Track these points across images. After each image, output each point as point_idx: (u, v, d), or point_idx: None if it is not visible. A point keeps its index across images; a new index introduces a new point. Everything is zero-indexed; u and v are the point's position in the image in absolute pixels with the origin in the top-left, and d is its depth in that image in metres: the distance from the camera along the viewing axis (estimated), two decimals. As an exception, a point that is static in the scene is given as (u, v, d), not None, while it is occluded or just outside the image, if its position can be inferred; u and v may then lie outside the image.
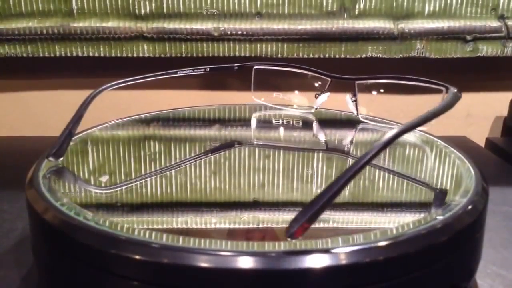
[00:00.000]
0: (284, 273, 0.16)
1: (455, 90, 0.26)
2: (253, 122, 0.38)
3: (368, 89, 0.34)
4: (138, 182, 0.25)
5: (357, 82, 0.34)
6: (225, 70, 0.40)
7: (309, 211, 0.16)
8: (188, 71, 0.37)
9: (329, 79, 0.35)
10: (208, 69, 0.38)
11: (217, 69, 0.39)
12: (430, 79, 0.30)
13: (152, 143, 0.31)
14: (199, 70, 0.37)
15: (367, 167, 0.28)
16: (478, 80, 0.50)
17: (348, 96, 0.34)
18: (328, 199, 0.16)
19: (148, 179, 0.26)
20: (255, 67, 0.39)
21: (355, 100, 0.34)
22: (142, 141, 0.32)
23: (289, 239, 0.16)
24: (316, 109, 0.37)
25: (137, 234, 0.17)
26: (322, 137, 0.35)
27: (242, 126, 0.37)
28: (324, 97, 0.36)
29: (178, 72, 0.36)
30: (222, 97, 0.50)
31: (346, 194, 0.25)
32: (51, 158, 0.26)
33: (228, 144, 0.32)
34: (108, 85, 0.31)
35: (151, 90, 0.50)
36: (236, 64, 0.40)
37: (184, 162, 0.28)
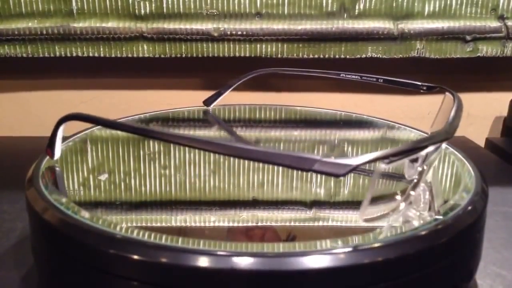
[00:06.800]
0: (283, 274, 0.16)
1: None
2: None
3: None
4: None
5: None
6: (406, 86, 0.31)
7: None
8: (354, 77, 0.32)
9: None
10: (381, 80, 0.31)
11: (391, 82, 0.31)
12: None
13: (151, 143, 0.31)
14: (369, 79, 0.31)
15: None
16: (478, 80, 0.50)
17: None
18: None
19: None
20: (447, 93, 0.27)
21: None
22: (142, 141, 0.32)
23: None
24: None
25: (136, 234, 0.17)
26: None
27: (242, 126, 0.37)
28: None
29: (341, 75, 0.32)
30: (222, 97, 0.50)
31: (346, 194, 0.25)
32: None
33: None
34: (267, 69, 0.33)
35: (151, 90, 0.50)
36: (425, 84, 0.31)
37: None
